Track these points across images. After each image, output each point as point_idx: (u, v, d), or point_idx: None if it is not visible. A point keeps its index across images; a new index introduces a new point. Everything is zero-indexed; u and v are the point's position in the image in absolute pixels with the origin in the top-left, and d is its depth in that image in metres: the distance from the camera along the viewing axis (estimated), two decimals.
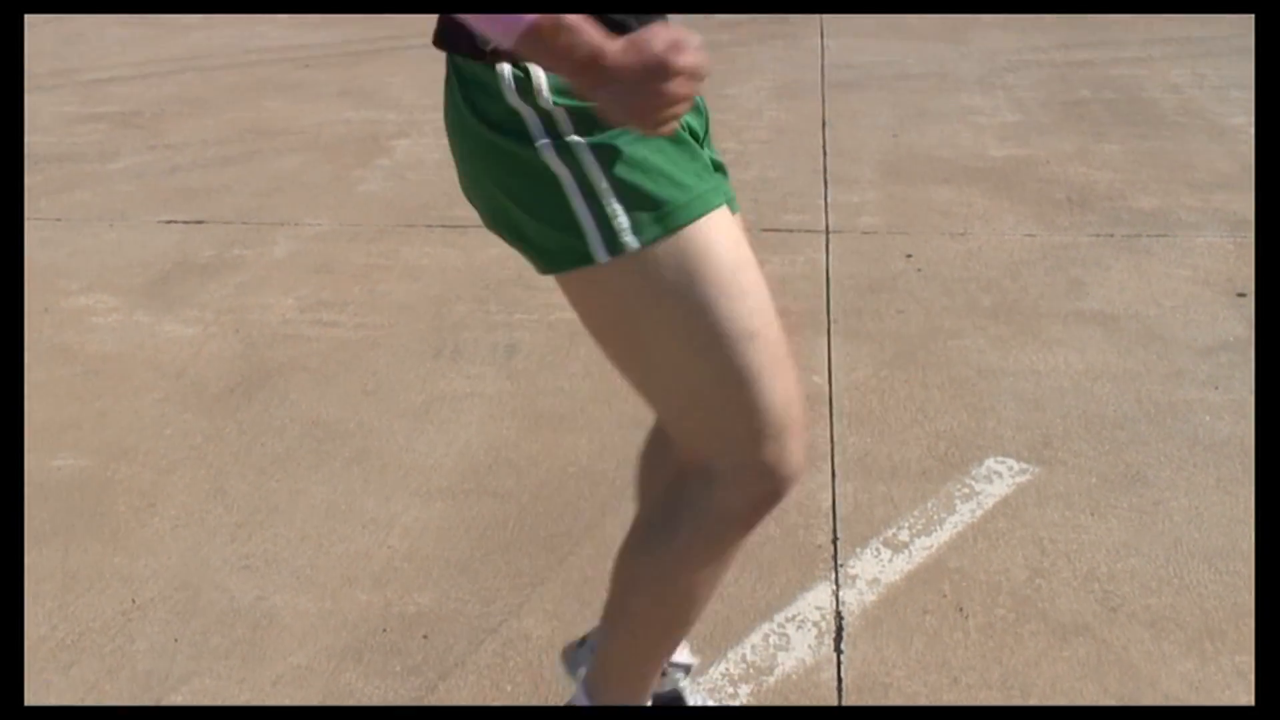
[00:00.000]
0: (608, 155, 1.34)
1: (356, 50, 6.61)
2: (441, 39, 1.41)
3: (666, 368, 1.42)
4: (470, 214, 1.51)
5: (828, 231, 3.96)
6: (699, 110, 1.48)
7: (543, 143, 1.34)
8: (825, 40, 6.54)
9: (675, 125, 1.25)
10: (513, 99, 1.33)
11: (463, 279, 3.63)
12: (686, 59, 1.20)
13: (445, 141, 1.46)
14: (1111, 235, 3.90)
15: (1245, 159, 4.54)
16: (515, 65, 1.33)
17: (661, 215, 1.35)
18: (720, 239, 1.38)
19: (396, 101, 5.60)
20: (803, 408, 1.46)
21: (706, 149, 1.52)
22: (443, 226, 4.04)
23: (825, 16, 7.03)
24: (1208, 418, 2.81)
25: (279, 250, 3.93)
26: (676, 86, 1.20)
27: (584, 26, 1.22)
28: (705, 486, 1.46)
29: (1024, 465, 2.64)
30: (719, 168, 1.55)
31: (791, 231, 3.91)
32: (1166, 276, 3.59)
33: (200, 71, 6.21)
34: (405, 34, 6.75)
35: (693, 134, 1.45)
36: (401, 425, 2.87)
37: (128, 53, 6.64)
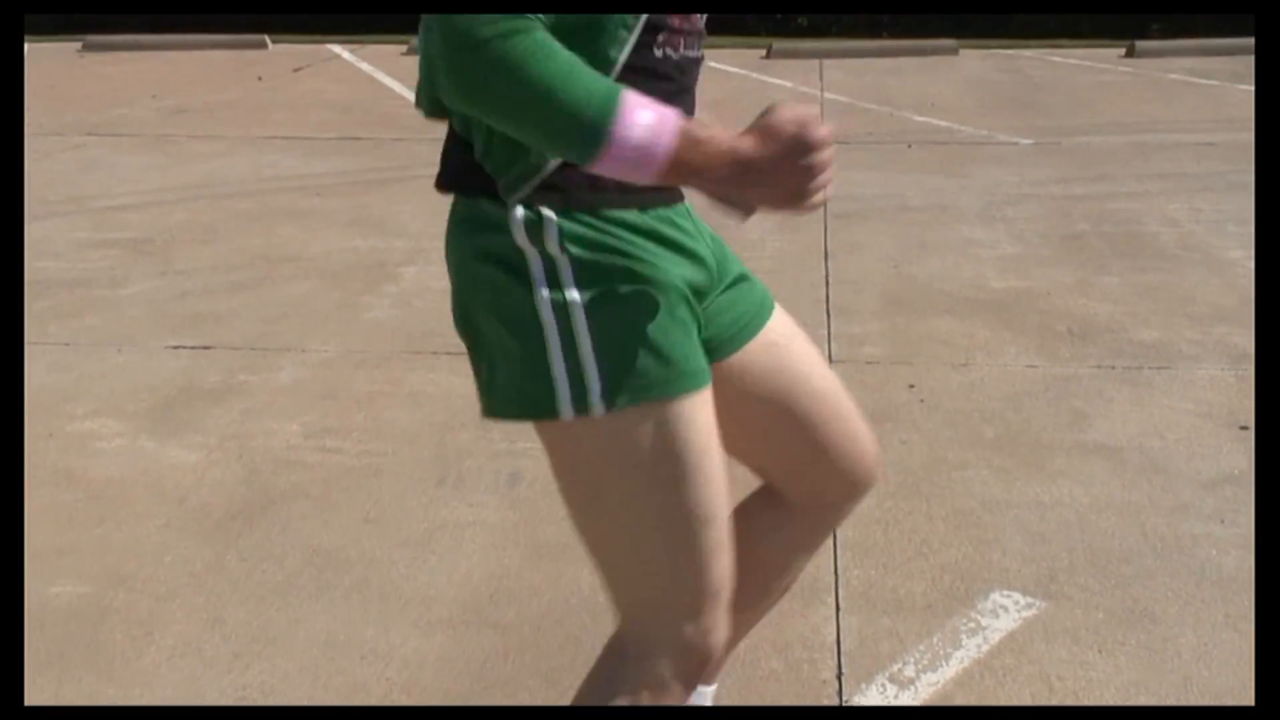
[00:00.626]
0: (600, 317, 1.35)
1: (366, 179, 6.72)
2: (450, 183, 1.43)
3: (622, 535, 1.43)
4: None
5: (830, 362, 3.98)
6: (703, 261, 1.47)
7: (540, 289, 1.35)
8: None
9: (830, 192, 1.29)
10: (520, 239, 1.35)
11: (466, 406, 3.64)
12: (820, 131, 1.25)
13: None
14: (1113, 367, 3.92)
15: (1245, 292, 4.59)
16: (528, 208, 1.36)
17: (638, 387, 1.35)
18: (696, 419, 1.40)
19: (404, 229, 5.68)
20: (731, 586, 1.50)
21: (729, 265, 1.55)
22: (448, 353, 4.07)
23: None
24: (1214, 552, 2.79)
25: (285, 376, 3.95)
26: (821, 159, 1.25)
27: (714, 134, 1.25)
28: (640, 656, 1.49)
29: (1030, 599, 2.61)
30: (745, 277, 1.57)
31: None
32: (1169, 409, 3.60)
33: (212, 199, 6.31)
34: (414, 163, 6.88)
35: (698, 292, 1.45)
36: (402, 554, 2.85)
37: (142, 180, 6.77)
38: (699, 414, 1.40)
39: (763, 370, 1.58)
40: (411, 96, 5.74)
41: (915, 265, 5.04)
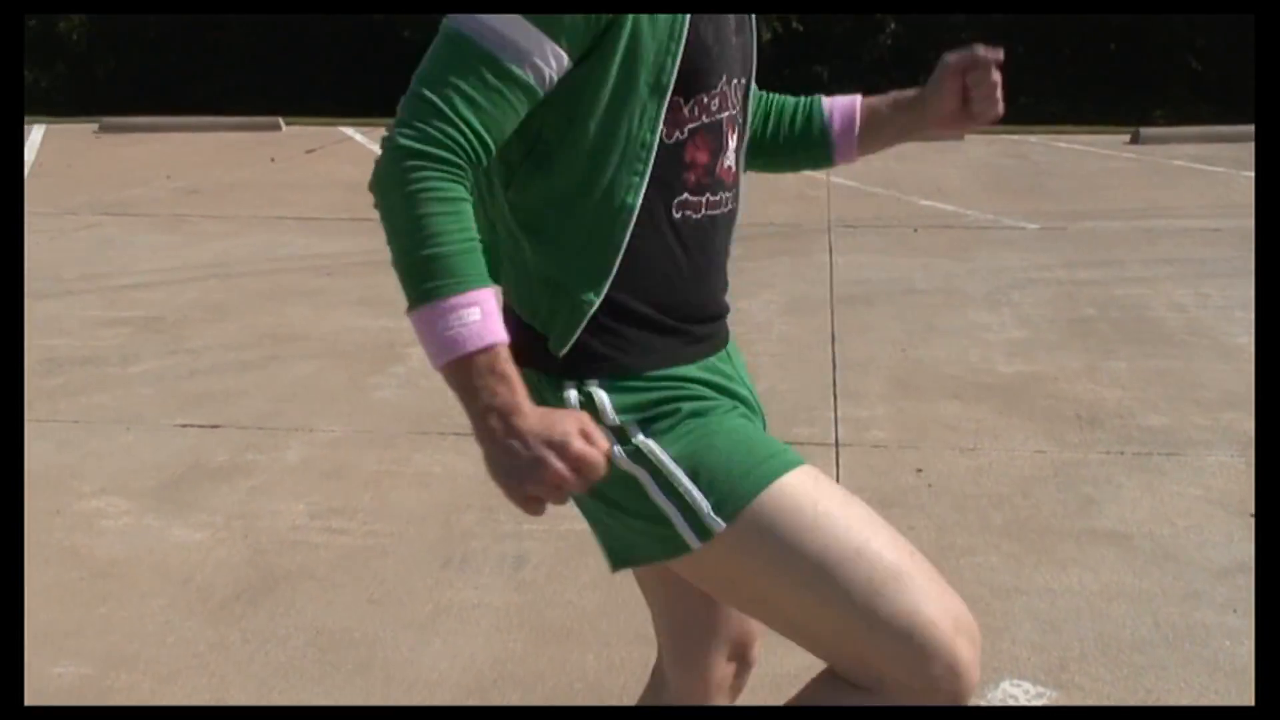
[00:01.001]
0: (678, 447, 1.43)
1: (376, 259, 6.75)
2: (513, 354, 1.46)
3: (798, 616, 1.45)
4: None
5: (837, 445, 3.98)
6: (745, 400, 1.56)
7: (614, 450, 1.41)
8: (834, 256, 6.69)
9: (539, 507, 1.33)
10: None
11: (473, 487, 3.64)
12: (586, 450, 1.29)
13: None
14: (1122, 453, 3.91)
15: (1252, 378, 4.59)
16: (580, 390, 1.44)
17: (739, 492, 1.41)
18: (794, 485, 1.43)
19: None
20: (954, 605, 1.44)
21: (743, 382, 1.58)
22: (454, 434, 4.07)
23: (834, 232, 7.21)
24: (1227, 642, 2.76)
25: (292, 455, 3.95)
26: (562, 469, 1.29)
27: (510, 379, 1.32)
28: (888, 697, 1.43)
29: (1040, 689, 2.58)
30: (752, 398, 1.59)
31: (801, 445, 3.93)
32: (1179, 496, 3.58)
33: (224, 278, 6.36)
34: None
35: (740, 398, 1.53)
36: (407, 636, 2.83)
37: (154, 259, 6.82)
38: (801, 485, 1.44)
39: None
40: None
41: (922, 349, 5.05)
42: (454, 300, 1.32)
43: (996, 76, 1.62)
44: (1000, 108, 1.64)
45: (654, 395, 1.46)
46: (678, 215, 1.48)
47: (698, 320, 1.51)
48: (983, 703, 2.53)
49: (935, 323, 5.44)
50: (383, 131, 1.38)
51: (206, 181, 9.36)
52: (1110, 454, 3.90)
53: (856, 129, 1.74)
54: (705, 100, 1.47)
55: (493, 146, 1.38)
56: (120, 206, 8.39)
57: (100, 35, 16.44)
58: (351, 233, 7.47)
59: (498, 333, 1.33)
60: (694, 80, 1.45)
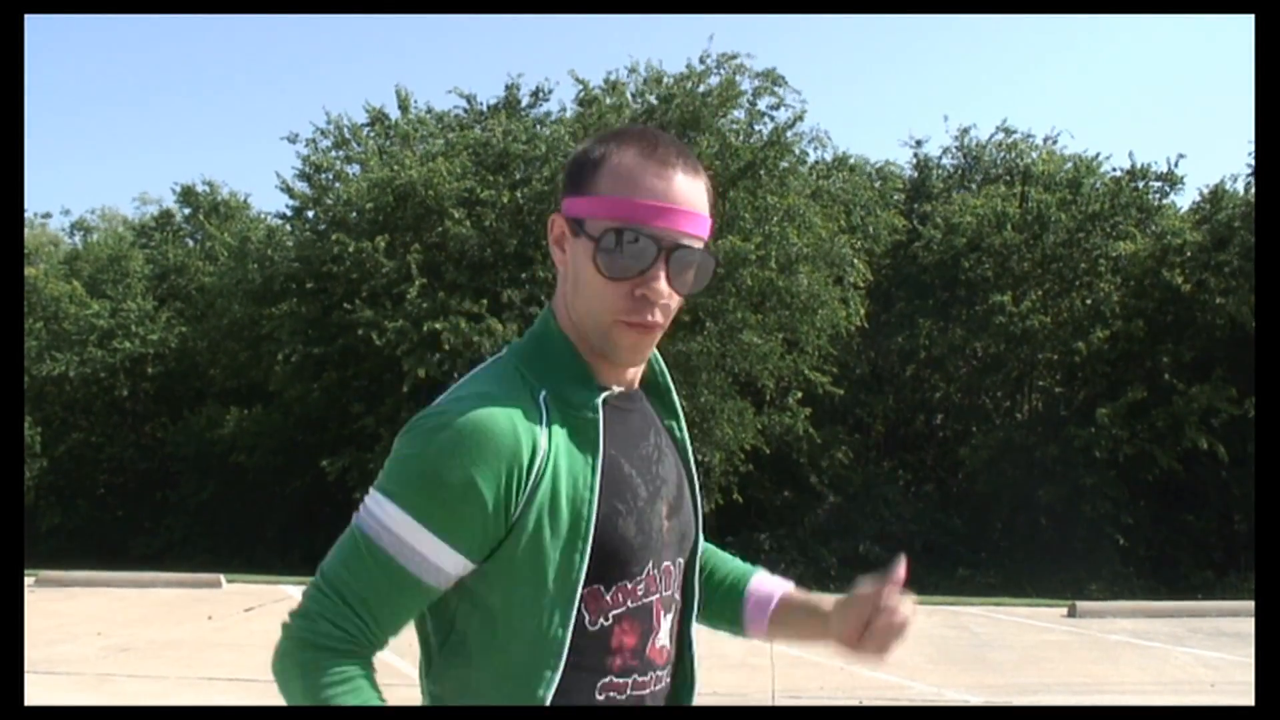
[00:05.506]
0: None
1: None
2: None
3: None
4: None
5: None
6: None
7: None
8: None
9: None
10: None
11: None
12: None
13: None
14: None
15: None
16: None
17: None
18: None
19: None
20: None
21: None
22: None
23: (777, 701, 7.09)
24: None
25: None
26: None
27: None
28: None
29: None
30: None
31: None
32: None
33: None
34: None
35: None
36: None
37: None
38: None
39: None
40: None
41: None
42: None
43: (902, 618, 1.64)
44: (888, 654, 1.67)
45: None
46: (601, 698, 1.49)
47: None
48: None
49: None
50: None
51: (138, 640, 9.15)
52: None
53: (767, 617, 1.79)
54: (630, 586, 1.50)
55: (387, 638, 1.45)
56: (44, 664, 8.13)
57: (50, 489, 16.61)
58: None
59: None
60: (613, 570, 1.49)
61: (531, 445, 1.44)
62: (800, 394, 17.15)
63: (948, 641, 9.77)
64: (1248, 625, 9.56)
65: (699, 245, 1.53)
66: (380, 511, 1.44)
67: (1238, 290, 16.46)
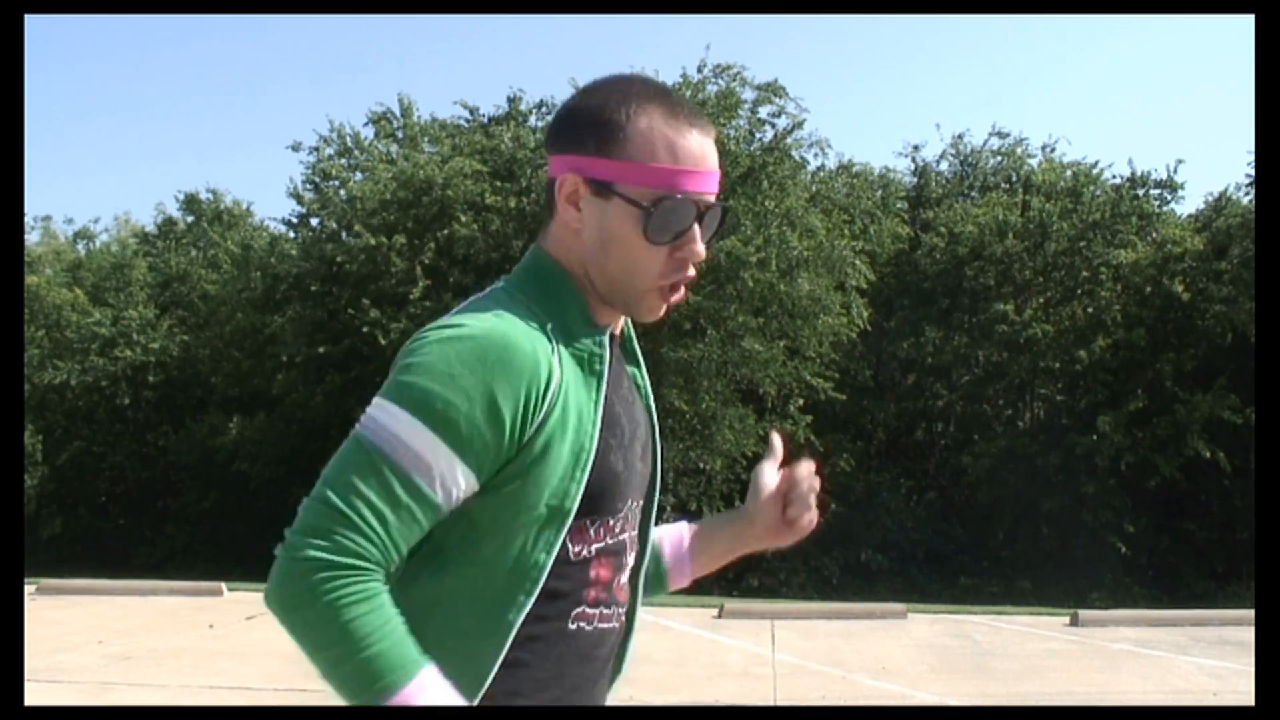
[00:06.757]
0: None
1: None
2: None
3: None
4: None
5: None
6: None
7: None
8: None
9: None
10: None
11: None
12: None
13: None
14: None
15: None
16: None
17: None
18: None
19: None
20: None
21: None
22: None
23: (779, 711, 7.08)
24: None
25: None
26: None
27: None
28: None
29: None
30: None
31: None
32: None
33: None
34: None
35: None
36: None
37: None
38: None
39: None
40: None
41: None
42: (406, 691, 1.33)
43: (812, 483, 1.73)
44: (814, 515, 1.73)
45: None
46: (573, 626, 1.50)
47: None
48: None
49: None
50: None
51: (139, 648, 9.14)
52: None
53: (686, 557, 1.82)
54: (611, 522, 1.52)
55: (399, 558, 1.39)
56: (44, 673, 8.12)
57: (51, 498, 16.60)
58: (285, 704, 7.24)
59: (450, 694, 1.37)
60: (601, 503, 1.50)
61: (549, 368, 1.43)
62: (802, 401, 17.15)
63: (950, 650, 9.75)
64: (1251, 634, 9.55)
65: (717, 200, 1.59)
66: (393, 422, 1.37)
67: (1239, 298, 16.47)
